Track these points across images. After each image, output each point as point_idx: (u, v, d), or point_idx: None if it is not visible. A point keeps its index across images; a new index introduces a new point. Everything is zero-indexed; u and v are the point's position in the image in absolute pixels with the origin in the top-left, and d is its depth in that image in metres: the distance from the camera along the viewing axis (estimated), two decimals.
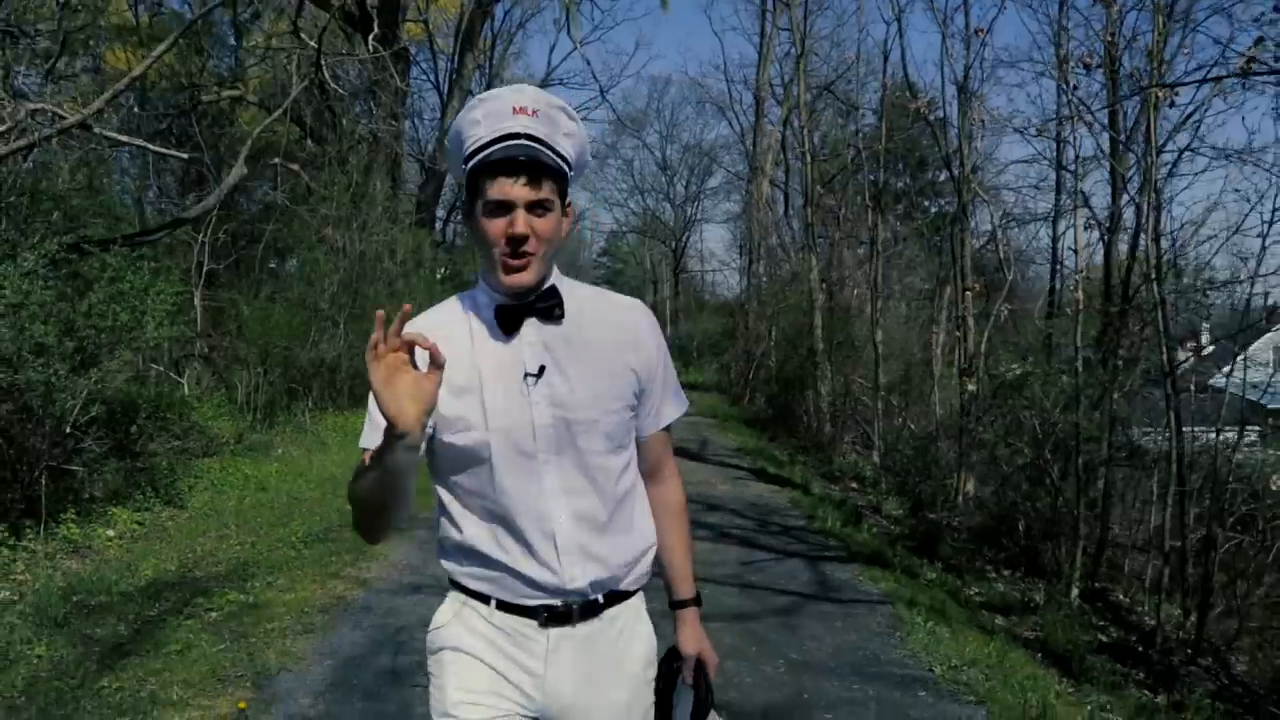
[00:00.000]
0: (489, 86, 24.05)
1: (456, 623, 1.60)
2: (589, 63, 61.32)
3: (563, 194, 1.54)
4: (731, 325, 23.44)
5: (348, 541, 6.01)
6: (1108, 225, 8.38)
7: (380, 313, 1.26)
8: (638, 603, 1.68)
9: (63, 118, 6.65)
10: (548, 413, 1.51)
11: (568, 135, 1.55)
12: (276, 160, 13.73)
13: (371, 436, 1.48)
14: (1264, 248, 6.51)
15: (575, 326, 1.58)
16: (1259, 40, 5.91)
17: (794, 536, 6.68)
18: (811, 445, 12.29)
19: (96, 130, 6.54)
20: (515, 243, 1.46)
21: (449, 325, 1.55)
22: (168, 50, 8.28)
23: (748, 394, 18.40)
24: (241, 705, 3.48)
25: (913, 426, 11.06)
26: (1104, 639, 5.59)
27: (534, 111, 1.50)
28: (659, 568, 1.76)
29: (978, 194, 10.42)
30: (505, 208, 1.46)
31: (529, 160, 1.45)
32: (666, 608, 1.76)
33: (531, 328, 1.55)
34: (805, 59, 13.20)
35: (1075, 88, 6.81)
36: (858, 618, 4.85)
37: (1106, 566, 7.46)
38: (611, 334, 1.62)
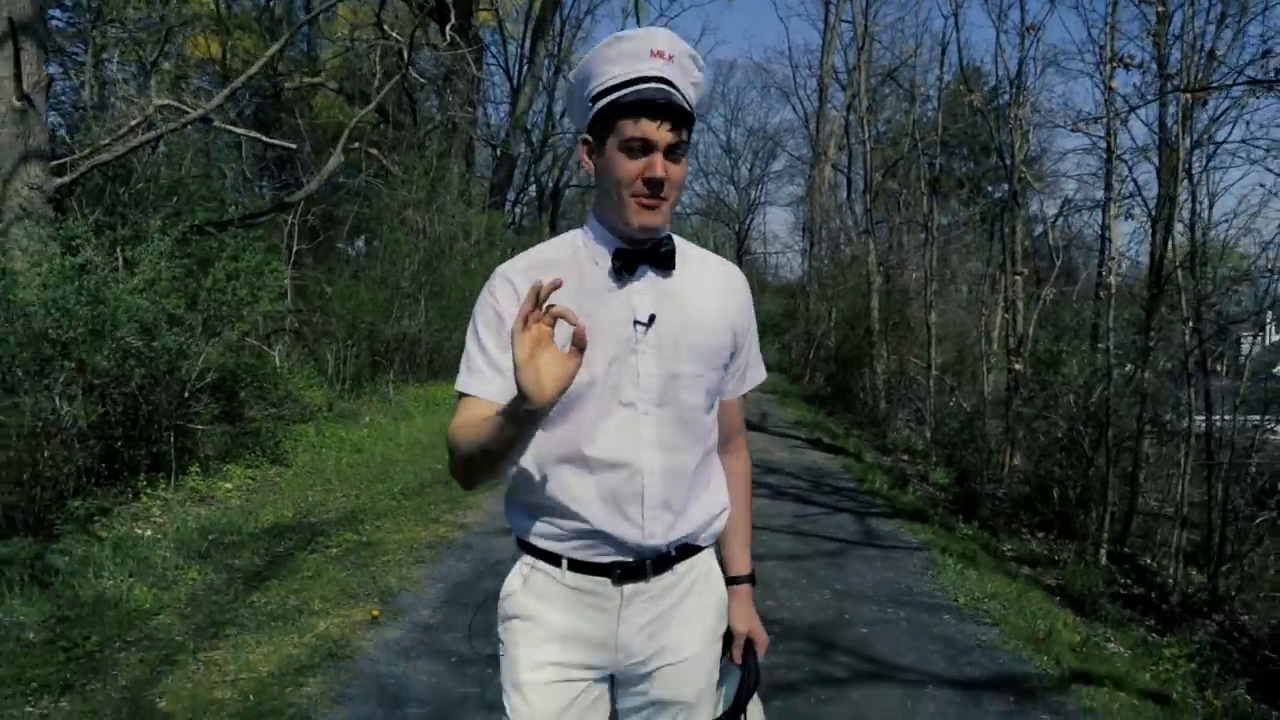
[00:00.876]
0: (556, 72, 24.72)
1: (525, 590, 1.59)
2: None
3: (689, 140, 1.51)
4: (792, 307, 23.89)
5: (443, 494, 6.76)
6: (1152, 215, 8.76)
7: (536, 285, 1.26)
8: (708, 557, 1.67)
9: (185, 112, 7.46)
10: (654, 363, 1.50)
11: (694, 84, 1.52)
12: (356, 145, 14.61)
13: (472, 382, 1.51)
14: None
15: (683, 280, 1.57)
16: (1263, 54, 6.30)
17: (844, 495, 7.31)
18: (867, 421, 12.81)
19: (216, 123, 7.30)
20: (654, 186, 1.45)
21: (558, 263, 1.53)
22: (281, 49, 9.02)
23: (808, 373, 18.90)
24: (375, 613, 4.22)
25: (964, 404, 11.50)
26: (1123, 591, 6.09)
27: (670, 56, 1.47)
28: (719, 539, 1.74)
29: (1029, 184, 10.78)
30: (647, 148, 1.44)
31: (669, 104, 1.43)
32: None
33: (644, 277, 1.53)
34: (867, 50, 13.60)
35: (1110, 88, 7.19)
36: (896, 560, 5.48)
37: (1138, 534, 7.92)
38: (716, 291, 1.61)
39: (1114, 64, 8.28)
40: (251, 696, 3.40)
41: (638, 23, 23.86)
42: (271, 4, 18.95)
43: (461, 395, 1.53)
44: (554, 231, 27.95)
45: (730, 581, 1.75)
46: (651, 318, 1.50)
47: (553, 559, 1.56)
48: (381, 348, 12.71)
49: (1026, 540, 7.10)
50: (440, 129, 16.67)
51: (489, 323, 1.53)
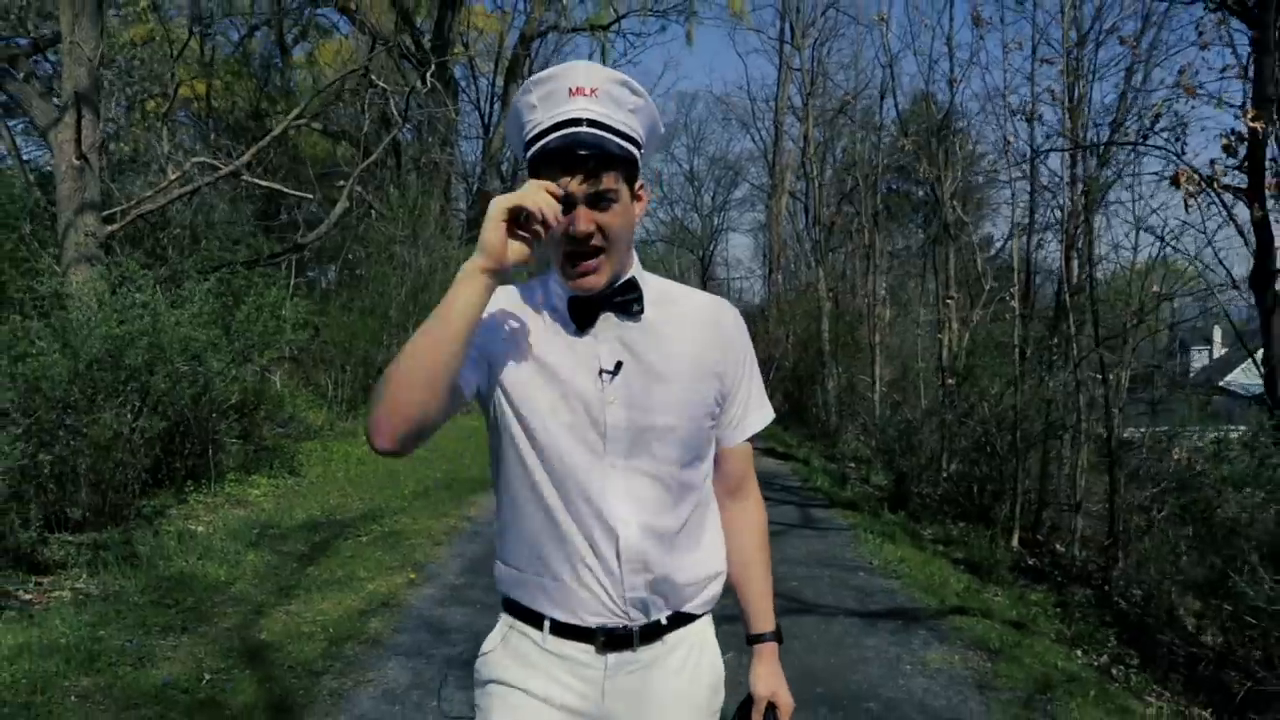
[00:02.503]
0: None
1: (504, 651, 1.53)
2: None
3: (631, 178, 1.42)
4: (753, 330, 25.18)
5: (447, 495, 7.88)
6: (1063, 243, 10.10)
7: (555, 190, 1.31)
8: (704, 627, 1.58)
9: (217, 168, 8.58)
10: (622, 415, 1.42)
11: (633, 111, 1.41)
12: (342, 183, 15.73)
13: None
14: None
15: (656, 324, 1.47)
16: (1156, 115, 7.61)
17: (790, 492, 8.54)
18: (819, 434, 14.06)
19: (245, 177, 8.42)
20: (577, 241, 1.37)
21: (521, 307, 1.48)
22: (300, 114, 10.14)
23: (768, 392, 20.19)
24: (412, 576, 5.35)
25: (908, 415, 12.77)
26: (1024, 565, 7.31)
27: (592, 91, 1.37)
28: (734, 596, 1.67)
29: (960, 217, 12.10)
30: (565, 204, 1.34)
31: (590, 151, 1.33)
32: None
33: (608, 323, 1.45)
34: (815, 96, 14.95)
35: (1009, 141, 8.52)
36: (828, 537, 6.70)
37: (1050, 524, 9.15)
38: (696, 333, 1.50)
39: (1028, 115, 9.66)
40: (330, 629, 4.51)
41: (603, 62, 25.16)
42: (244, 43, 19.99)
43: None
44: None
45: (751, 640, 1.66)
46: (618, 365, 1.43)
47: (534, 620, 1.49)
48: (374, 372, 13.78)
49: (948, 528, 8.31)
50: (421, 169, 17.79)
51: None
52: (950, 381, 11.02)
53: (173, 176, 8.33)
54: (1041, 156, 9.56)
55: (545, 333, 1.46)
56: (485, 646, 1.57)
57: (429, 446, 10.86)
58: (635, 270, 1.49)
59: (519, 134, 1.45)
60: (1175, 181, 4.76)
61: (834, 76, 21.23)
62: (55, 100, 8.37)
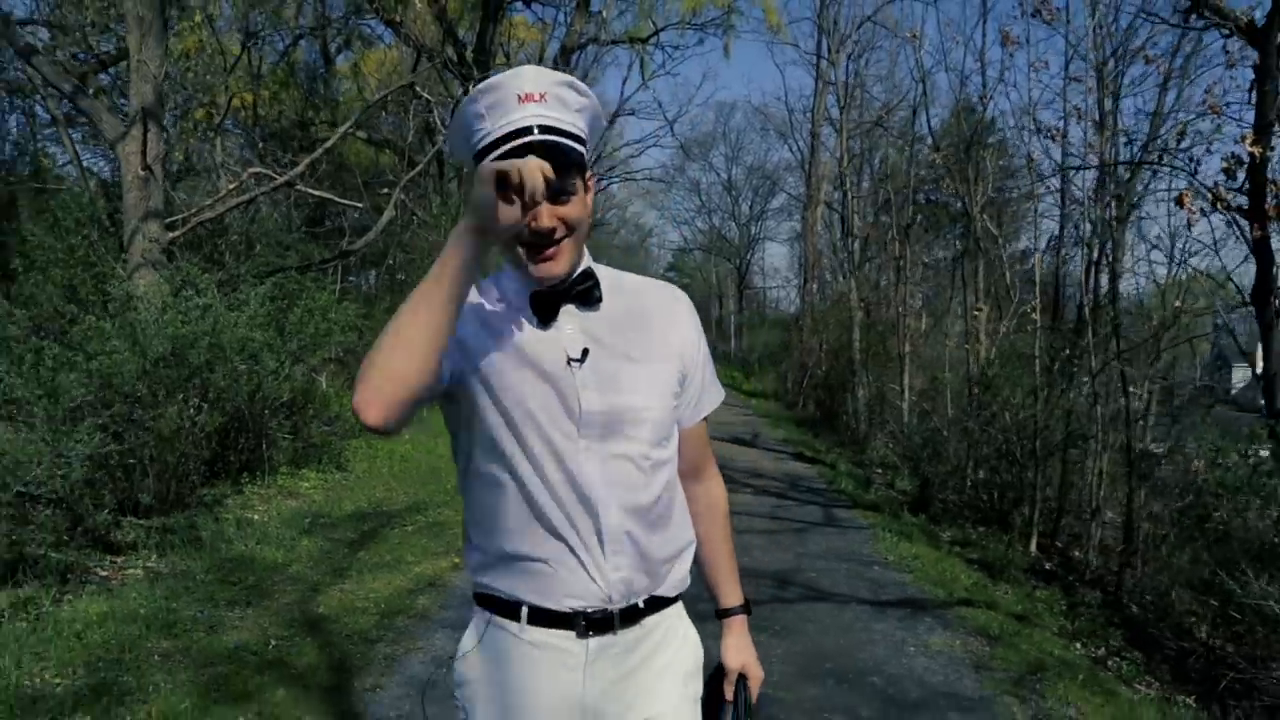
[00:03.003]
0: None
1: (480, 650, 1.54)
2: (660, 104, 64.43)
3: (581, 174, 1.45)
4: (788, 339, 25.52)
5: None
6: (1087, 261, 10.38)
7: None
8: (678, 610, 1.62)
9: (273, 178, 9.11)
10: (596, 399, 1.46)
11: (580, 111, 1.46)
12: (385, 190, 16.30)
13: None
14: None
15: (615, 311, 1.53)
16: (1181, 134, 7.90)
17: (815, 493, 8.91)
18: (849, 441, 14.36)
19: (299, 187, 8.94)
20: (542, 235, 1.40)
21: (482, 305, 1.50)
22: (353, 126, 10.66)
23: (801, 400, 20.49)
24: (456, 561, 5.78)
25: (935, 422, 13.04)
26: (1041, 569, 7.60)
27: (541, 96, 1.41)
28: (702, 573, 1.73)
29: (989, 230, 12.39)
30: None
31: (549, 158, 1.33)
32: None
33: (569, 314, 1.49)
34: (848, 109, 15.29)
35: (1032, 158, 8.83)
36: (848, 535, 7.07)
37: (1070, 532, 9.42)
38: (654, 318, 1.57)
39: (1052, 134, 9.96)
40: (383, 604, 4.96)
41: (642, 74, 25.72)
42: (289, 52, 20.63)
43: None
44: None
45: (720, 614, 1.74)
46: (585, 352, 1.47)
47: (510, 610, 1.49)
48: None
49: (967, 531, 8.61)
50: (462, 177, 18.31)
51: None
52: (976, 391, 11.32)
53: (230, 186, 8.86)
54: (1070, 174, 9.87)
55: (511, 330, 1.48)
56: (462, 647, 1.57)
57: None
58: (588, 261, 1.55)
59: (466, 143, 1.47)
60: (1180, 202, 5.08)
61: (871, 89, 21.61)
62: (121, 114, 8.96)
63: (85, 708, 3.59)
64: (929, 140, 13.85)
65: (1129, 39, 9.49)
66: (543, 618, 1.48)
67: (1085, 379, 9.24)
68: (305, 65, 21.80)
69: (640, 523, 1.50)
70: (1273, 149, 5.05)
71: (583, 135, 1.48)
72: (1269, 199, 4.93)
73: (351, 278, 18.31)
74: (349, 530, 6.88)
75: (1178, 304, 8.99)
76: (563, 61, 19.97)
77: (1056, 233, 12.43)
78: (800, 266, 30.43)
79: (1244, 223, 5.58)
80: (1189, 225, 5.10)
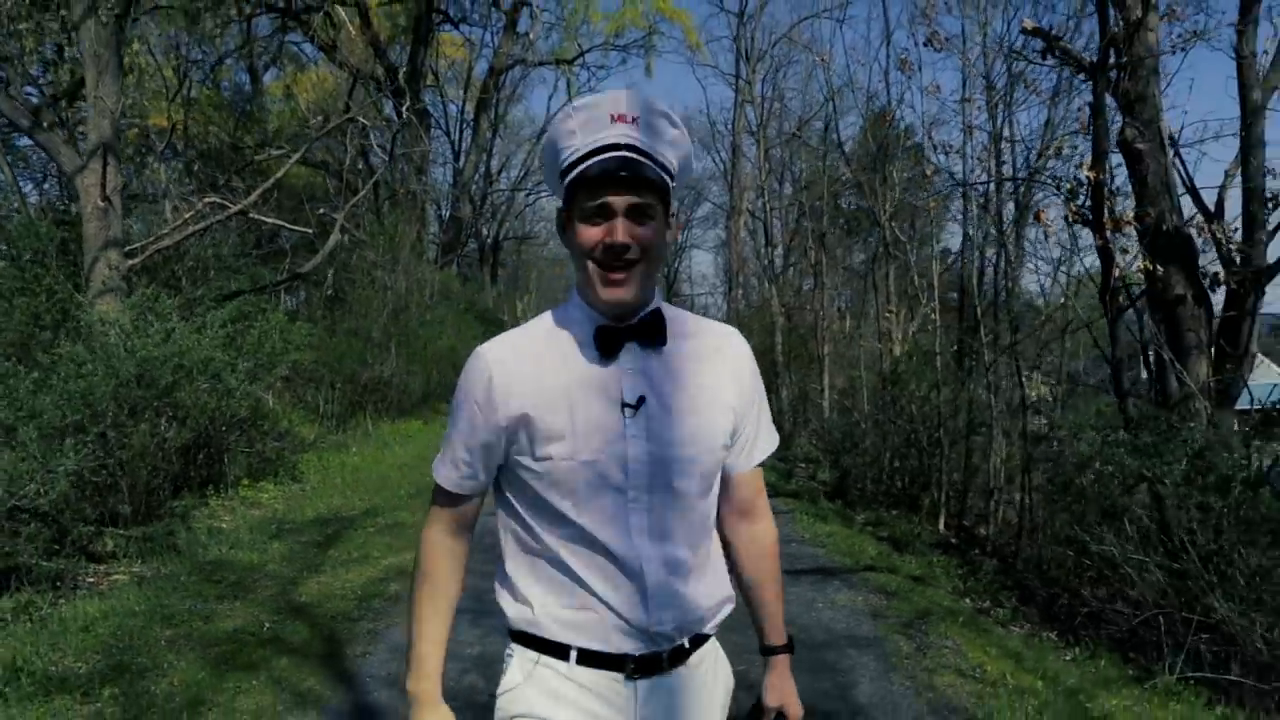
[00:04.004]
0: (494, 135, 27.03)
1: (530, 685, 1.51)
2: None
3: (666, 205, 1.44)
4: None
5: None
6: (979, 264, 11.35)
7: None
8: (714, 644, 1.63)
9: (226, 206, 9.59)
10: (644, 448, 1.43)
11: (670, 144, 1.44)
12: (322, 210, 16.75)
13: (439, 468, 1.57)
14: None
15: (677, 356, 1.49)
16: (1058, 151, 8.83)
17: None
18: None
19: (252, 215, 9.43)
20: (614, 252, 1.38)
21: (537, 343, 1.49)
22: (300, 158, 11.15)
23: None
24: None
25: (856, 417, 13.94)
26: (948, 543, 8.45)
27: (634, 119, 1.40)
28: (750, 611, 1.73)
29: (897, 237, 13.31)
30: (603, 213, 1.38)
31: (629, 175, 1.36)
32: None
33: (631, 353, 1.46)
34: (767, 125, 16.18)
35: (926, 174, 9.73)
36: None
37: (977, 511, 10.32)
38: (712, 366, 1.53)
39: (950, 151, 10.91)
40: (358, 591, 5.55)
41: (568, 93, 26.44)
42: (215, 72, 20.81)
43: (437, 488, 1.59)
44: (494, 282, 30.15)
45: (765, 651, 1.74)
46: (641, 399, 1.44)
47: (559, 651, 1.49)
48: (359, 389, 14.74)
49: (880, 514, 9.45)
50: (398, 198, 18.77)
51: (460, 409, 1.52)
52: (887, 386, 12.22)
53: (187, 215, 9.31)
54: (968, 187, 10.81)
55: (568, 365, 1.46)
56: (506, 683, 1.54)
57: (418, 456, 11.88)
58: (658, 302, 1.51)
59: (555, 160, 1.46)
60: (1037, 216, 5.92)
61: (790, 101, 22.58)
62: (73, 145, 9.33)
63: (111, 684, 4.13)
64: (841, 154, 14.79)
65: (1014, 62, 10.47)
66: (592, 659, 1.48)
67: (985, 372, 10.18)
68: (233, 85, 22.06)
69: (684, 578, 1.49)
70: (1108, 173, 5.94)
71: (671, 168, 1.46)
72: (1106, 214, 5.80)
73: (288, 297, 18.66)
74: (314, 534, 7.41)
75: (1064, 301, 9.98)
76: (492, 82, 20.65)
77: (961, 239, 13.40)
78: (725, 274, 31.42)
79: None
80: (1045, 235, 5.95)
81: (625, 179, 1.37)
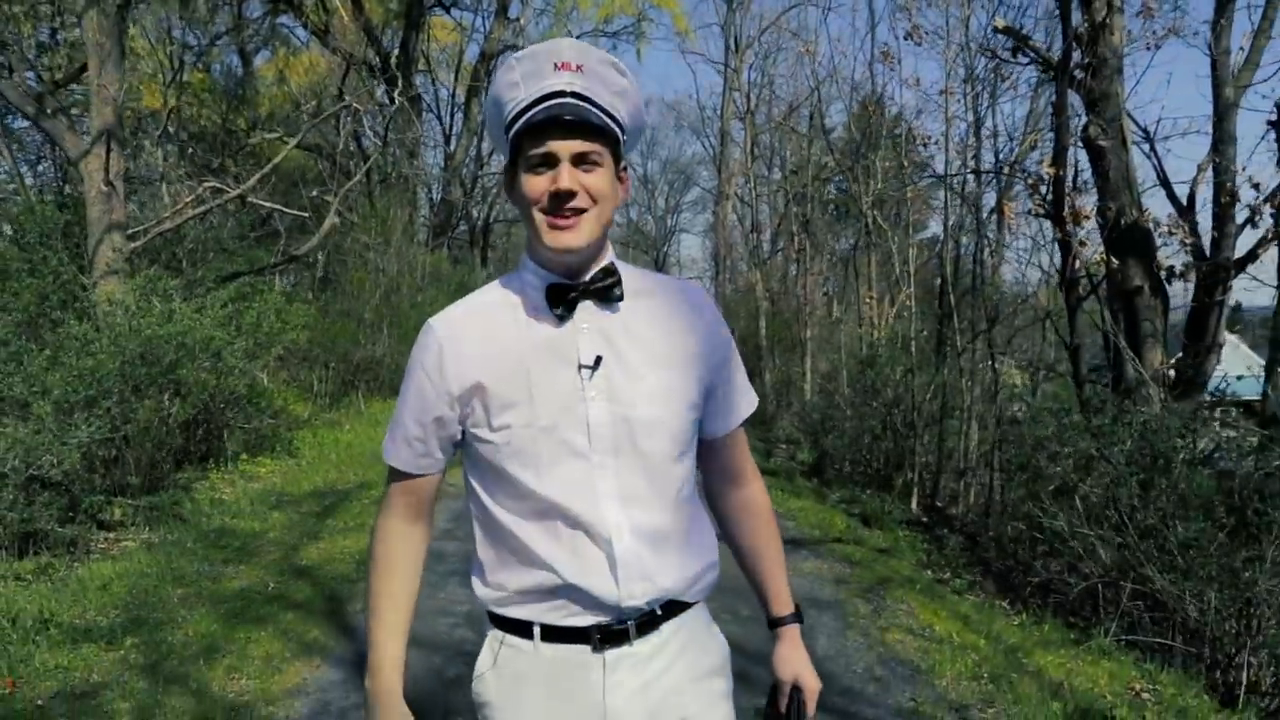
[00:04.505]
0: (484, 116, 27.04)
1: (495, 671, 1.49)
2: None
3: (617, 155, 1.40)
4: None
5: None
6: (955, 253, 11.73)
7: None
8: (699, 610, 1.56)
9: (226, 191, 9.88)
10: (605, 410, 1.38)
11: (618, 94, 1.39)
12: (316, 193, 17.01)
13: (389, 447, 1.52)
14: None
15: (634, 312, 1.44)
16: (1034, 143, 9.19)
17: None
18: (757, 421, 15.62)
19: (250, 199, 9.73)
20: (559, 199, 1.33)
21: (489, 309, 1.45)
22: (298, 143, 11.42)
23: None
24: None
25: (838, 400, 14.35)
26: (918, 520, 8.86)
27: (578, 67, 1.34)
28: (750, 581, 1.67)
29: (880, 226, 13.68)
30: (548, 162, 1.33)
31: (574, 120, 1.31)
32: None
33: (587, 311, 1.41)
34: (756, 110, 16.50)
35: (904, 165, 10.09)
36: None
37: (951, 491, 10.74)
38: (676, 321, 1.47)
39: (928, 142, 11.27)
40: (356, 556, 5.92)
41: None
42: (206, 54, 20.95)
43: (390, 471, 1.54)
44: (485, 265, 30.38)
45: (772, 624, 1.66)
46: (598, 360, 1.39)
47: (523, 629, 1.45)
48: (353, 369, 15.05)
49: (855, 492, 9.86)
50: (389, 181, 19.01)
51: (410, 383, 1.47)
52: (871, 370, 12.61)
53: (188, 199, 9.61)
54: (946, 180, 11.18)
55: (522, 331, 1.42)
56: (477, 668, 1.52)
57: None
58: (611, 257, 1.46)
59: (499, 115, 1.42)
60: (1001, 209, 6.29)
61: (779, 87, 22.88)
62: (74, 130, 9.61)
63: (131, 634, 4.49)
64: (826, 141, 15.15)
65: (989, 59, 10.82)
66: (555, 634, 1.44)
67: (958, 358, 10.58)
68: (224, 67, 22.20)
69: (656, 547, 1.43)
70: (1074, 168, 6.31)
71: (619, 118, 1.41)
72: (1066, 208, 6.17)
73: (280, 278, 18.91)
74: (313, 505, 7.76)
75: (1032, 291, 10.38)
76: (483, 67, 20.80)
77: (943, 228, 13.77)
78: (714, 258, 31.78)
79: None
80: (1010, 229, 6.32)
81: (570, 123, 1.32)
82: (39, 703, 3.74)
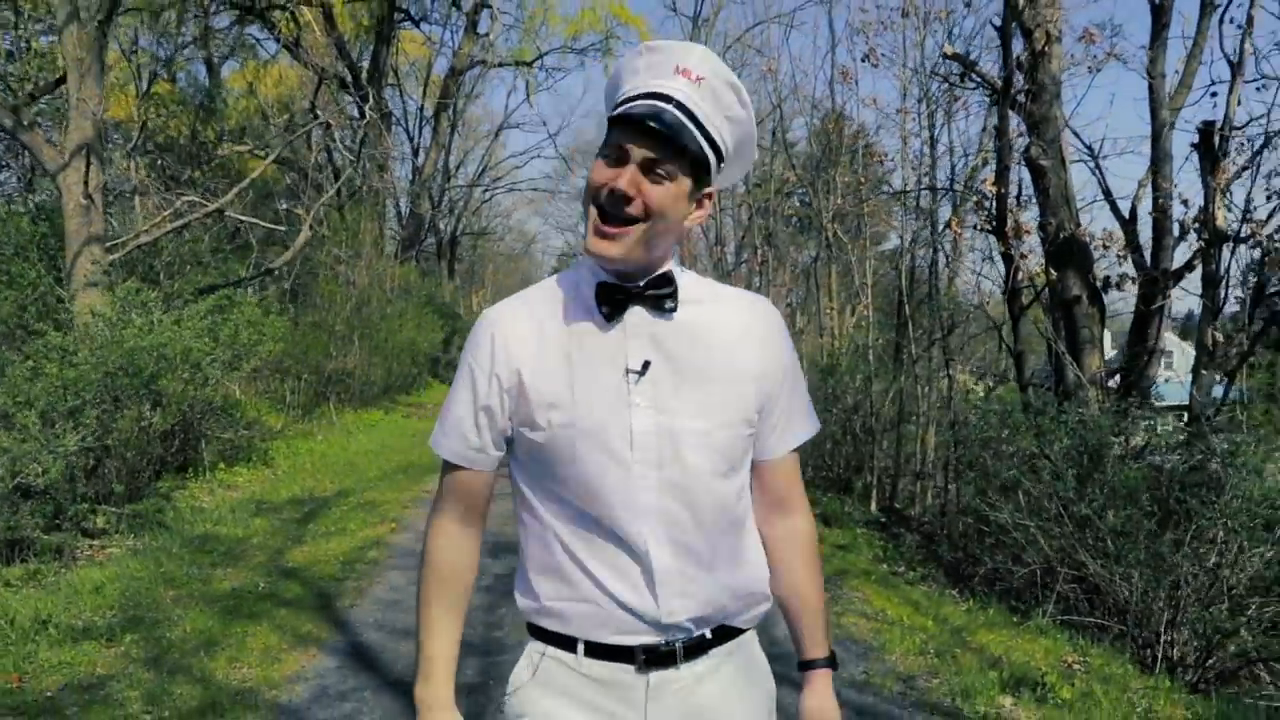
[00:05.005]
0: (453, 131, 27.48)
1: (536, 684, 1.43)
2: (545, 123, 67.30)
3: (698, 178, 1.35)
4: None
5: (405, 477, 9.52)
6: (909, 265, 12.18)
7: None
8: (750, 639, 1.51)
9: (204, 205, 10.09)
10: (650, 418, 1.34)
11: (730, 119, 1.36)
12: (287, 206, 17.23)
13: (439, 437, 1.48)
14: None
15: (689, 322, 1.40)
16: (985, 159, 9.62)
17: None
18: None
19: (228, 214, 9.95)
20: (614, 201, 1.30)
21: (543, 302, 1.43)
22: (275, 159, 11.65)
23: None
24: (392, 526, 7.02)
25: None
26: (877, 520, 9.24)
27: (698, 78, 1.32)
28: (785, 618, 1.58)
29: (839, 239, 14.11)
30: (621, 157, 1.30)
31: (662, 129, 1.26)
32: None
33: (638, 316, 1.38)
34: None
35: (861, 182, 10.52)
36: None
37: (910, 494, 11.14)
38: (732, 334, 1.42)
39: (884, 158, 11.73)
40: (341, 558, 6.18)
41: (527, 95, 27.01)
42: (171, 63, 21.00)
43: (442, 462, 1.50)
44: (452, 277, 30.65)
45: (802, 666, 1.57)
46: (645, 364, 1.35)
47: (567, 643, 1.40)
48: (324, 380, 15.25)
49: (816, 495, 10.20)
50: (359, 194, 19.21)
51: (462, 372, 1.45)
52: (828, 379, 13.02)
53: (165, 212, 9.81)
54: (901, 196, 11.63)
55: (569, 326, 1.39)
56: (514, 681, 1.47)
57: (381, 444, 12.47)
58: (673, 266, 1.43)
59: (613, 95, 1.40)
60: (949, 225, 6.70)
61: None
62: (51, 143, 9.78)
63: (130, 632, 4.72)
64: (787, 156, 15.56)
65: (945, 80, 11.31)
66: (601, 651, 1.39)
67: (913, 366, 11.00)
68: (189, 77, 22.28)
69: (699, 565, 1.38)
70: (1017, 185, 6.73)
71: (721, 145, 1.37)
72: (1009, 224, 6.59)
73: (249, 291, 19.01)
74: (293, 512, 7.99)
75: (984, 302, 10.84)
76: (452, 82, 21.15)
77: (900, 241, 14.21)
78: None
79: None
80: (955, 241, 6.73)
81: (652, 131, 1.27)
82: (48, 695, 3.98)
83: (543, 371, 1.37)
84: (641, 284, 1.38)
